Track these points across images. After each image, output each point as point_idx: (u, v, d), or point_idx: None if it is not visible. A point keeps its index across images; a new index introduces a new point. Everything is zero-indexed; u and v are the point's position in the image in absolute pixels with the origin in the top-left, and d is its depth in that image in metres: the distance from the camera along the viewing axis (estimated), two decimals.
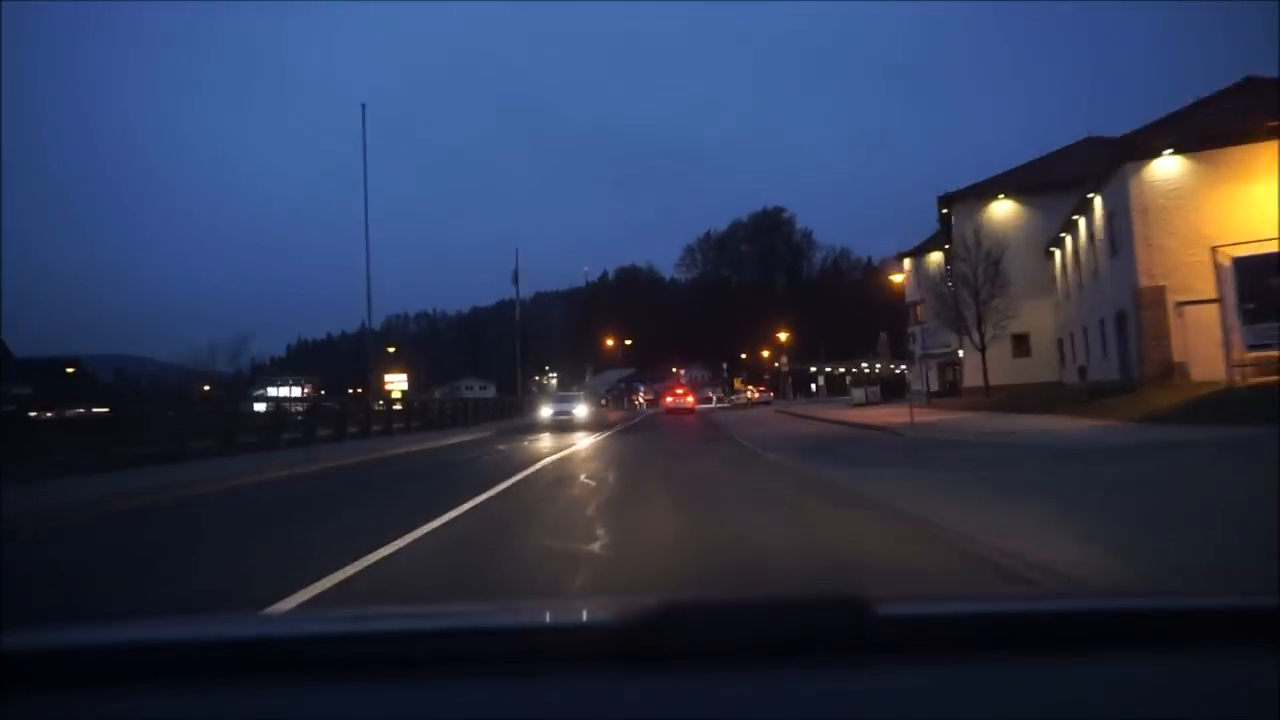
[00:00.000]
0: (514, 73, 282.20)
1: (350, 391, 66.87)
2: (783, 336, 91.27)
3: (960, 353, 38.33)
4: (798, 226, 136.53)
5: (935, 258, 49.97)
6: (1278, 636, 1.04)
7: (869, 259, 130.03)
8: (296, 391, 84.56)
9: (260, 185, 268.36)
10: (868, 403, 44.62)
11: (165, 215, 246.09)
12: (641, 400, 56.47)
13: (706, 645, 1.00)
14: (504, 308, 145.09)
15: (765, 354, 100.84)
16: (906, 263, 53.50)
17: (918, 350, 32.01)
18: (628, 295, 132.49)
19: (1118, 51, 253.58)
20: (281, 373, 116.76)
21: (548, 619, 1.30)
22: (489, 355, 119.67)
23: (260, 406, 27.18)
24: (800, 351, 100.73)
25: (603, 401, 59.94)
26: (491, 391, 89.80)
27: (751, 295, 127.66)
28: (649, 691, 0.94)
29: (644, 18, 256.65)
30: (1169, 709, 0.92)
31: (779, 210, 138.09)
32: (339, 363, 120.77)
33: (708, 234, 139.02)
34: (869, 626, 1.02)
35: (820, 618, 1.05)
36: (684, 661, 0.97)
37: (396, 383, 43.17)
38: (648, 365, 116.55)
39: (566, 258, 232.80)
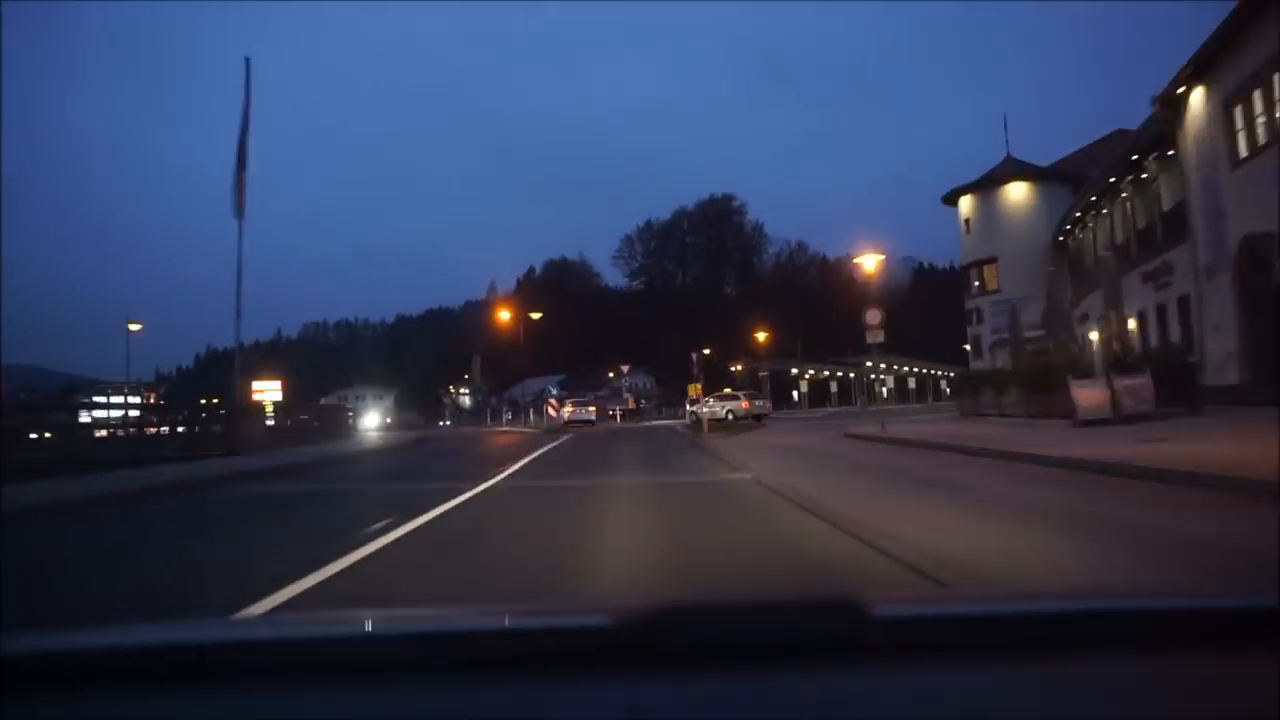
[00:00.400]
0: (446, 74, 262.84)
1: (204, 402, 52.75)
2: (760, 336, 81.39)
3: (1095, 333, 23.90)
4: (748, 217, 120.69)
5: (1019, 192, 35.65)
6: (1277, 637, 1.03)
7: (824, 255, 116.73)
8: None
9: (161, 179, 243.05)
10: (1000, 415, 21.66)
11: (55, 210, 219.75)
12: (557, 412, 43.21)
13: (704, 647, 0.99)
14: (432, 315, 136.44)
15: (709, 354, 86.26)
16: (966, 202, 37.11)
17: (986, 334, 22.40)
18: (559, 292, 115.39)
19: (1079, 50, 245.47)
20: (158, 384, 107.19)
21: (544, 621, 1.29)
22: (408, 364, 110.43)
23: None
24: (769, 353, 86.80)
25: (507, 416, 46.45)
26: (390, 400, 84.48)
27: (701, 291, 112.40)
28: (646, 693, 0.93)
29: (579, 17, 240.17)
30: (1168, 710, 0.92)
31: (728, 199, 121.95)
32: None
33: (649, 223, 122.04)
34: (866, 628, 1.01)
35: (817, 619, 1.05)
36: (681, 663, 0.96)
37: (269, 392, 38.32)
38: (584, 370, 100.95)
39: (504, 265, 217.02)
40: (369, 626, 1.30)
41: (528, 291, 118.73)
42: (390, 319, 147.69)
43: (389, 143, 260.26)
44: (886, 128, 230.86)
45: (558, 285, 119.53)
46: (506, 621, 1.31)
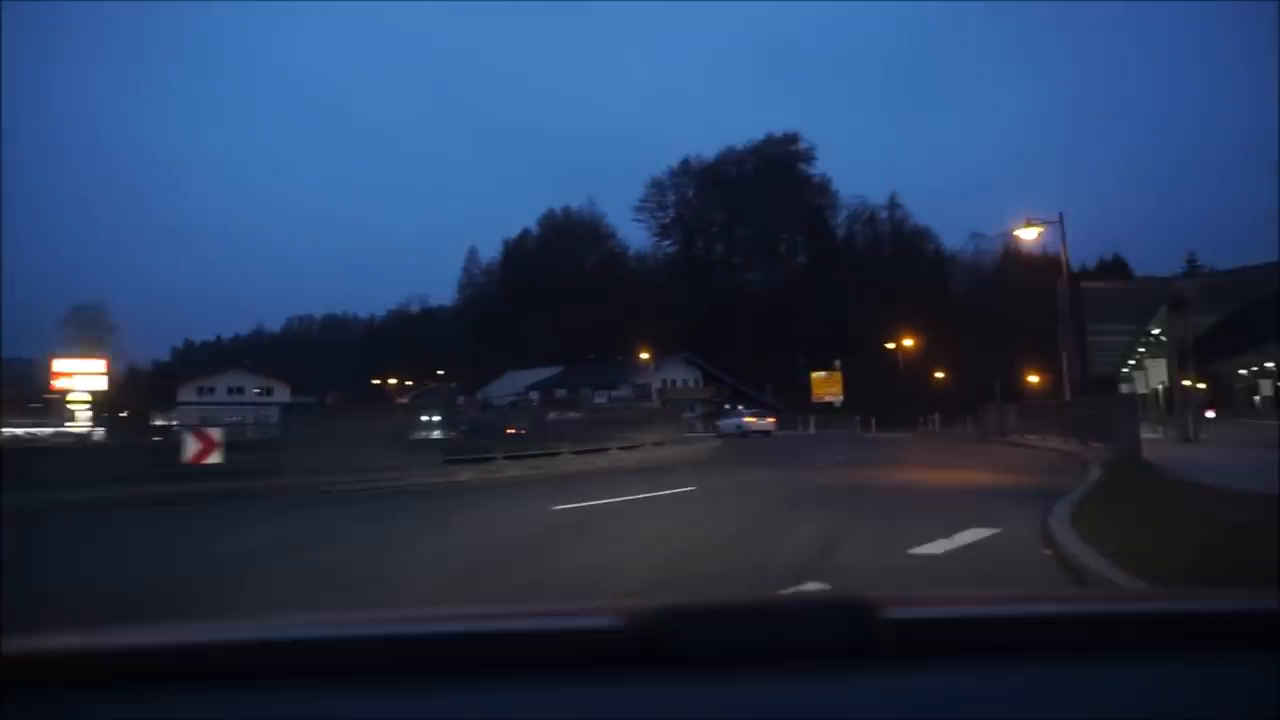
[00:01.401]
0: (452, 59, 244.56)
1: None
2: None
3: None
4: (816, 165, 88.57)
5: None
6: (1277, 637, 1.04)
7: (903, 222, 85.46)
8: None
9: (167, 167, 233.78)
10: None
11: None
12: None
13: (708, 649, 0.99)
14: (429, 314, 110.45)
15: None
16: None
17: None
18: (560, 256, 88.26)
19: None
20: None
21: (547, 623, 1.27)
22: (387, 360, 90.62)
23: None
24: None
25: (461, 427, 29.46)
26: (283, 398, 57.89)
27: (760, 259, 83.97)
28: (650, 696, 0.94)
29: (597, 10, 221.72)
30: (1169, 711, 0.93)
31: (793, 138, 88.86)
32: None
33: (685, 162, 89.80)
34: (874, 629, 1.01)
35: (823, 621, 1.05)
36: (686, 665, 0.96)
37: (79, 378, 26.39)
38: (589, 360, 72.72)
39: (493, 235, 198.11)
40: (371, 628, 1.29)
41: (521, 260, 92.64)
42: (381, 313, 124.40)
43: (391, 127, 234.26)
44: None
45: (558, 247, 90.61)
46: (509, 624, 1.30)
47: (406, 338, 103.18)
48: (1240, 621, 1.13)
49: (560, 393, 63.72)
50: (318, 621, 1.46)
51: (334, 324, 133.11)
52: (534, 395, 66.96)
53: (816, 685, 0.95)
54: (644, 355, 64.97)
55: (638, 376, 64.52)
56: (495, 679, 0.97)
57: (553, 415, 35.05)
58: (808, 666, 0.96)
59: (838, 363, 61.99)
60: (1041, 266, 44.22)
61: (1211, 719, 0.92)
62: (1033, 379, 54.38)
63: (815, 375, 62.42)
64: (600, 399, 59.19)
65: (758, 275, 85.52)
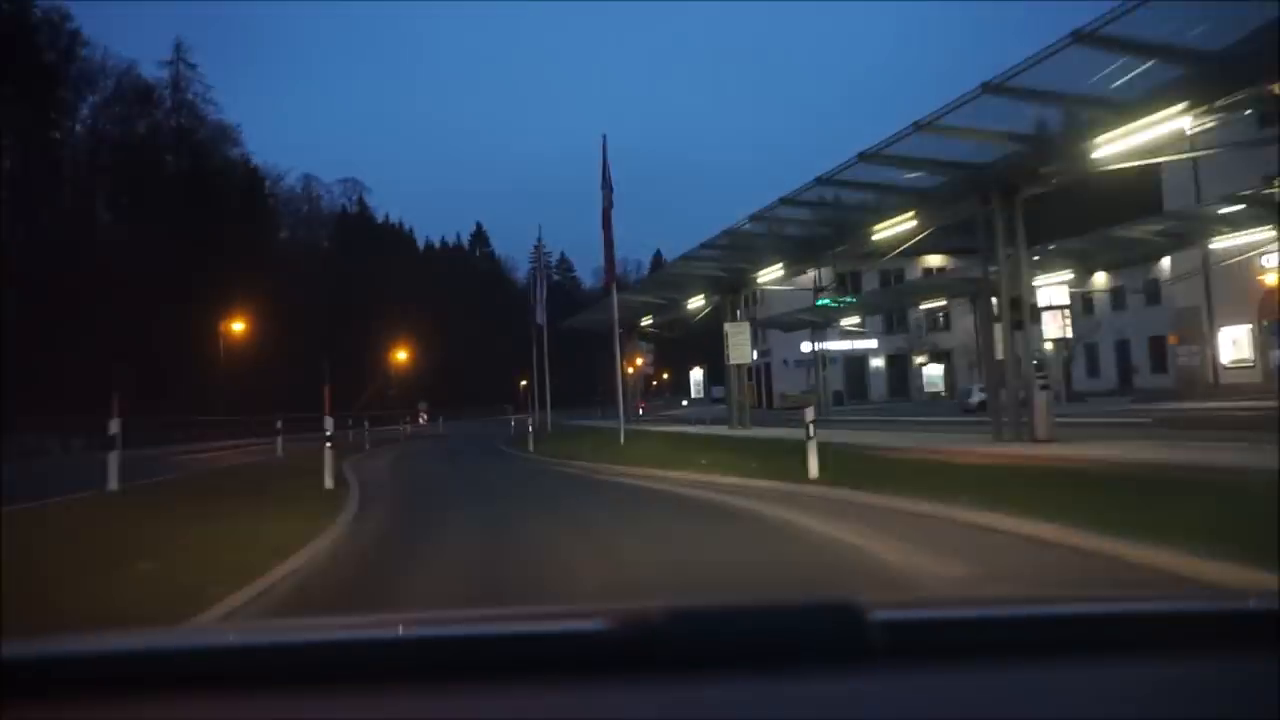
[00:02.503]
0: None
1: None
2: None
3: None
4: None
5: None
6: (1277, 637, 1.03)
7: None
8: None
9: None
10: None
11: None
12: None
13: (701, 651, 0.99)
14: None
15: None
16: None
17: None
18: None
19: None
20: None
21: (546, 626, 1.27)
22: None
23: None
24: None
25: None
26: None
27: None
28: (643, 698, 0.94)
29: None
30: (1168, 712, 0.92)
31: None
32: None
33: None
34: (866, 631, 1.00)
35: (814, 623, 1.04)
36: (678, 667, 0.96)
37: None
38: None
39: None
40: (363, 632, 1.27)
41: None
42: None
43: None
44: None
45: None
46: (504, 626, 1.31)
47: None
48: (1239, 621, 1.13)
49: None
50: (316, 626, 1.47)
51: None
52: None
53: (810, 687, 0.95)
54: None
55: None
56: (495, 681, 0.97)
57: None
58: (801, 668, 0.96)
59: None
60: None
61: (1210, 718, 0.91)
62: None
63: None
64: None
65: None
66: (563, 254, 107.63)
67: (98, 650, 1.13)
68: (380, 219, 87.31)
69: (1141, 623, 1.16)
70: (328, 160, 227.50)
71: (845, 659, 0.99)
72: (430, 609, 4.25)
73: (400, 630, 1.27)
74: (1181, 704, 0.94)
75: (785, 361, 52.66)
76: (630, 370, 37.22)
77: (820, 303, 35.86)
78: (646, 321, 34.40)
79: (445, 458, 23.04)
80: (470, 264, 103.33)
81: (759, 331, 40.46)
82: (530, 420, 28.47)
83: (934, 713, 0.93)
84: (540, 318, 32.65)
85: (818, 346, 40.35)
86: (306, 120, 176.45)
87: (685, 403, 63.50)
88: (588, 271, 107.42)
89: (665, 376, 77.08)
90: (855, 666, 0.98)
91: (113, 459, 11.29)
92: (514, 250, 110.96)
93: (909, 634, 1.08)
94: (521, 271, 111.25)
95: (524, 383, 74.24)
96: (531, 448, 22.21)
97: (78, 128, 48.28)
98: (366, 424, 32.12)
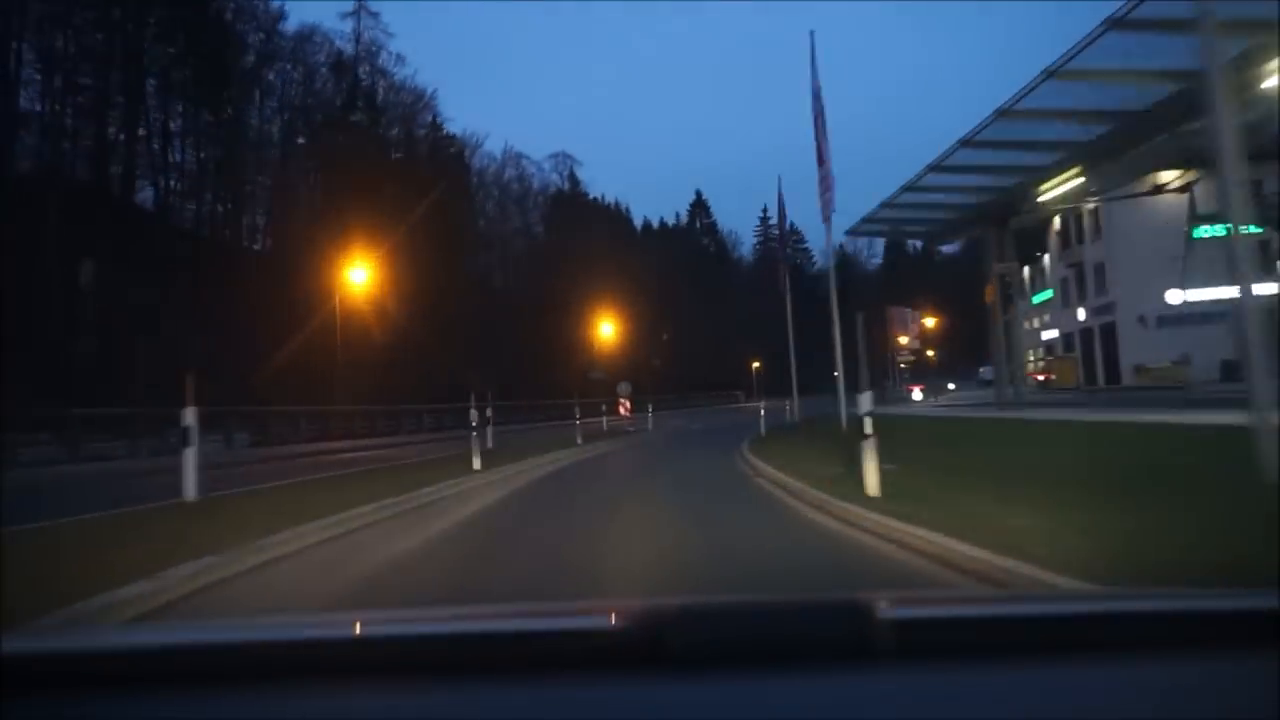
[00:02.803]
0: None
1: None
2: None
3: None
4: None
5: None
6: (1277, 637, 1.04)
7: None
8: None
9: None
10: None
11: None
12: None
13: (709, 649, 0.99)
14: None
15: None
16: None
17: None
18: None
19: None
20: None
21: (549, 623, 1.28)
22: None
23: None
24: None
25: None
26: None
27: None
28: (651, 696, 0.95)
29: None
30: (1169, 710, 0.94)
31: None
32: None
33: None
34: (873, 629, 1.02)
35: (822, 621, 1.06)
36: (686, 665, 0.97)
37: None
38: None
39: None
40: (370, 628, 1.28)
41: None
42: None
43: None
44: None
45: None
46: (511, 624, 1.31)
47: None
48: (1240, 621, 1.12)
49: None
50: (319, 622, 1.45)
51: None
52: None
53: (814, 685, 0.95)
54: None
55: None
56: (498, 679, 0.97)
57: None
58: (806, 666, 0.96)
59: None
60: None
61: (1211, 718, 0.91)
62: None
63: None
64: None
65: None
66: (792, 224, 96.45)
67: (96, 648, 1.12)
68: (594, 198, 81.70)
69: (1144, 621, 1.15)
70: (535, 142, 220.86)
71: (853, 657, 0.99)
72: (433, 607, 3.90)
73: (403, 628, 1.29)
74: (1183, 703, 0.94)
75: (1141, 319, 38.53)
76: (902, 342, 32.31)
77: (1200, 232, 23.93)
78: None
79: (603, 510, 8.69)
80: (691, 239, 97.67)
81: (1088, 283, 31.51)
82: (789, 407, 24.85)
83: (942, 711, 0.94)
84: (784, 286, 26.89)
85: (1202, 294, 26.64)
86: (510, 101, 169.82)
87: (952, 386, 56.86)
88: (815, 250, 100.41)
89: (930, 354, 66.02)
90: (863, 664, 0.98)
91: (189, 458, 8.42)
92: (737, 225, 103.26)
93: (916, 632, 1.08)
94: (746, 247, 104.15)
95: (756, 364, 67.20)
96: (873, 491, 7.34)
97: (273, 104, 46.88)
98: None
